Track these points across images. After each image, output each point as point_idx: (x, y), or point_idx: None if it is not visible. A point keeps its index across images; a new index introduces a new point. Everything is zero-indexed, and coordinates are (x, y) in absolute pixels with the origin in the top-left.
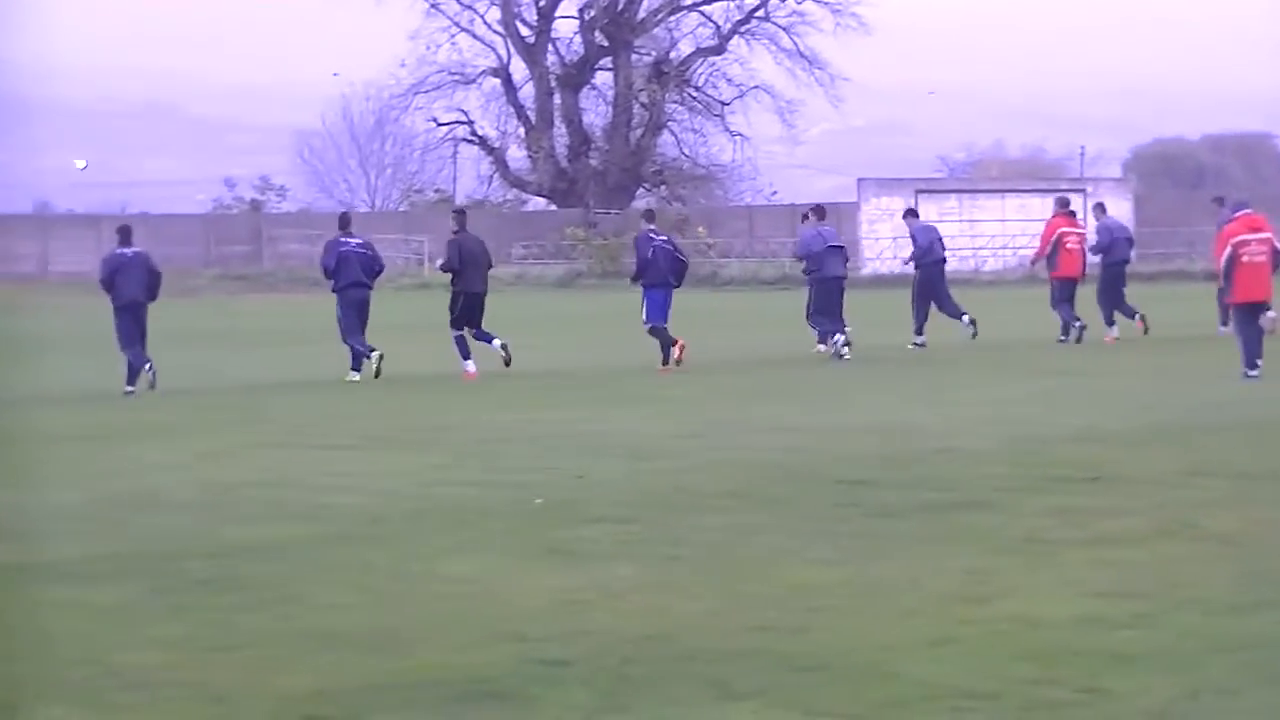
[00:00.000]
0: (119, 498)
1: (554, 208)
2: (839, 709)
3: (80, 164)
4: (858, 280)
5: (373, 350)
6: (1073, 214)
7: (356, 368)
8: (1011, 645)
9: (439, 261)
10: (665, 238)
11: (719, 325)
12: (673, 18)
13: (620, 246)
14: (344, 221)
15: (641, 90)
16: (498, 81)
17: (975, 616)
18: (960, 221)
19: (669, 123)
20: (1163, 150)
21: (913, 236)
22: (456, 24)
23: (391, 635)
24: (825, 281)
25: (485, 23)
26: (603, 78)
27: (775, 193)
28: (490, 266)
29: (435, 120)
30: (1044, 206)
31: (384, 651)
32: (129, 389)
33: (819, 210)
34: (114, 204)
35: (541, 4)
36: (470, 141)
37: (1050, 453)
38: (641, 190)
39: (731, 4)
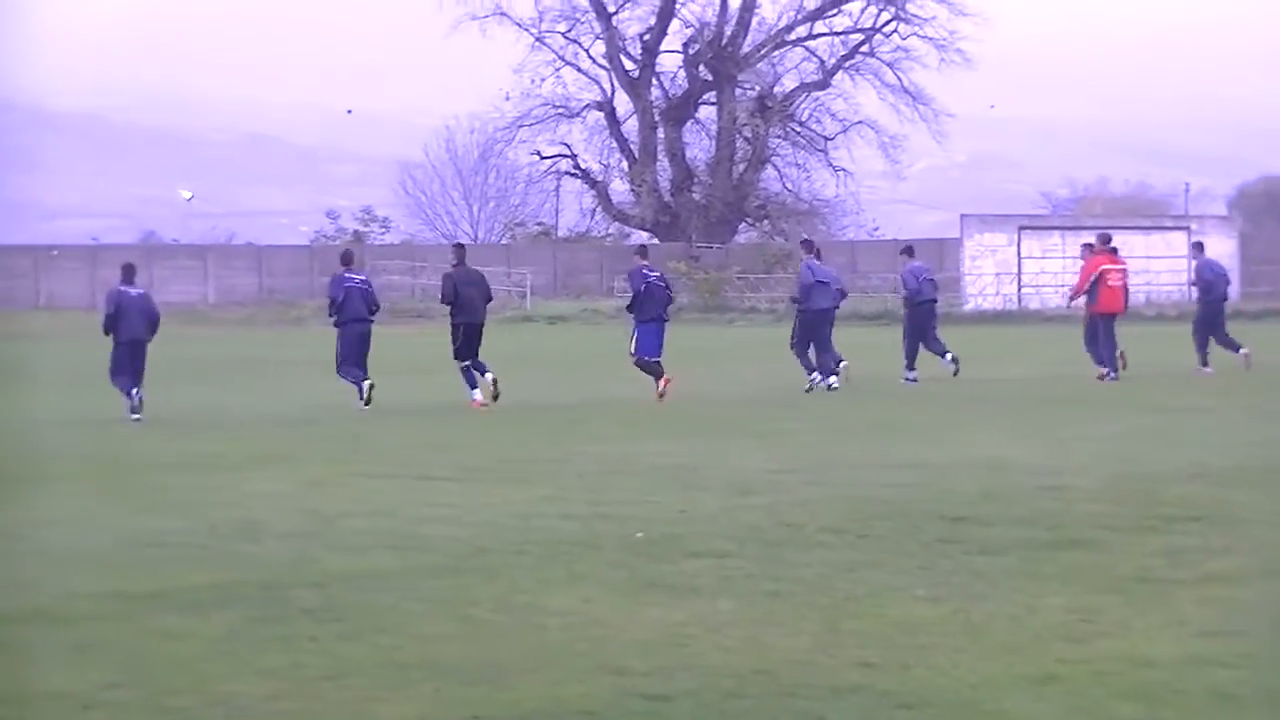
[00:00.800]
0: (222, 526)
1: (656, 241)
2: None
3: (186, 194)
4: (961, 316)
5: (365, 379)
6: (1114, 251)
7: (364, 397)
8: (1115, 684)
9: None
10: (658, 273)
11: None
12: (777, 53)
13: (722, 280)
14: (346, 258)
15: (745, 125)
16: (601, 115)
17: (1079, 655)
18: (1063, 258)
19: (772, 157)
20: (1267, 188)
21: (903, 279)
22: (561, 57)
23: (494, 667)
24: (810, 314)
25: (590, 56)
26: (706, 112)
27: (877, 228)
28: (489, 299)
29: (539, 153)
30: (1147, 244)
31: (486, 683)
32: (136, 417)
33: (807, 244)
34: (219, 234)
35: (646, 38)
36: (573, 175)
37: (1157, 491)
38: (744, 224)
39: (836, 40)
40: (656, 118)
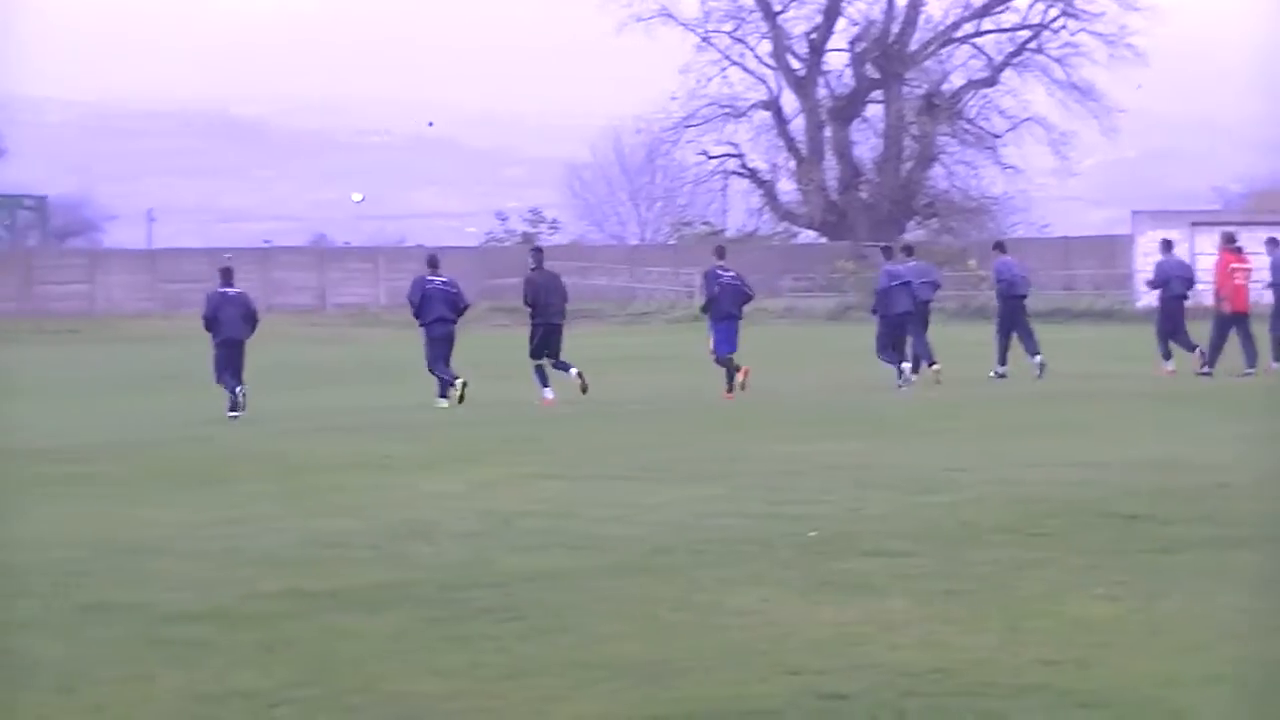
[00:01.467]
0: (397, 527)
1: (824, 240)
2: None
3: (357, 197)
4: (1133, 314)
5: (457, 378)
6: (1239, 249)
7: (443, 394)
8: None
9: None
10: (733, 274)
11: (989, 358)
12: (944, 50)
13: None
14: (431, 262)
15: (912, 123)
16: (768, 114)
17: (1259, 653)
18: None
19: (940, 155)
20: None
21: (996, 272)
22: (727, 57)
23: (670, 666)
24: (889, 319)
25: (756, 56)
26: (873, 110)
27: (1047, 225)
28: (566, 300)
29: (705, 153)
30: None
31: (663, 682)
32: (232, 414)
33: (888, 251)
34: (389, 236)
35: (812, 37)
36: (740, 174)
37: None
38: (912, 223)
39: (1003, 36)
40: (823, 116)
